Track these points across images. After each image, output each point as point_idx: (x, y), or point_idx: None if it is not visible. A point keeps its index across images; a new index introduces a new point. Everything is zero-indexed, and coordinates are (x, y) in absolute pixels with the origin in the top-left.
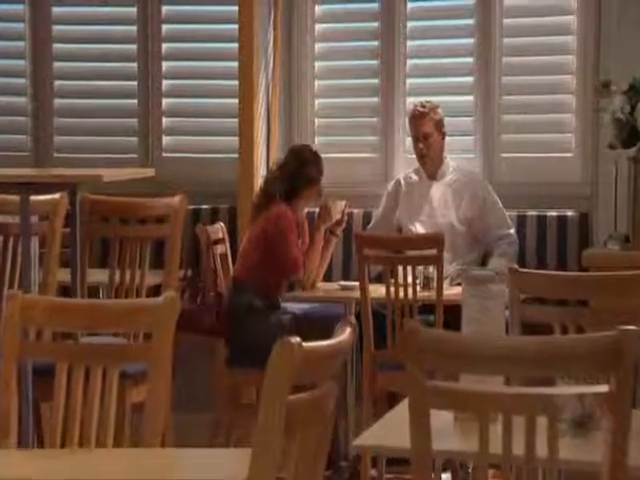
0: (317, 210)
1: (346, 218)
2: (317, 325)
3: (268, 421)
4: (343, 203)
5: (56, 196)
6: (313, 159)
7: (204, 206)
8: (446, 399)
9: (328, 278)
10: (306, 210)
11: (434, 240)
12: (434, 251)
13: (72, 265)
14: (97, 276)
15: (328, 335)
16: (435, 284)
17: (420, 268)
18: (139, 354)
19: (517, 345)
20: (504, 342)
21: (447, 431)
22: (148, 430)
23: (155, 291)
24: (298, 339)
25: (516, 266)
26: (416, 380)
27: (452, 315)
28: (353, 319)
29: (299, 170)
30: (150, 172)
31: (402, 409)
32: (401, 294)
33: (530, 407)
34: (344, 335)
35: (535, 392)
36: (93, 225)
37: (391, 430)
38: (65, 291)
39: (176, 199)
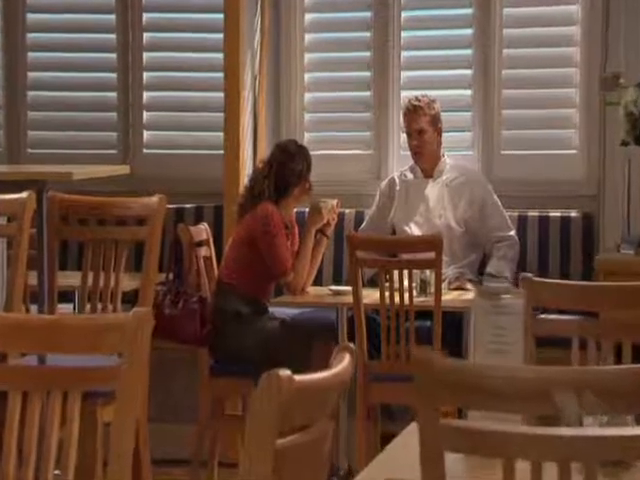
0: (307, 210)
1: (336, 217)
2: (306, 332)
3: (252, 471)
4: (334, 202)
5: (24, 195)
6: (300, 153)
7: (188, 205)
8: (463, 441)
9: (318, 282)
10: (295, 210)
11: (432, 242)
12: (432, 254)
13: (38, 268)
14: (72, 279)
15: (318, 343)
16: (433, 289)
17: (416, 271)
18: (107, 378)
19: (549, 377)
20: (533, 374)
21: (457, 468)
22: (115, 460)
23: (135, 296)
24: (288, 372)
25: (527, 273)
26: (429, 419)
27: (450, 321)
28: (351, 345)
29: (286, 166)
30: (125, 169)
31: (403, 440)
32: (396, 299)
33: (564, 452)
34: (342, 365)
35: (569, 434)
36: (66, 226)
37: (393, 465)
38: (35, 295)
39: (155, 199)
